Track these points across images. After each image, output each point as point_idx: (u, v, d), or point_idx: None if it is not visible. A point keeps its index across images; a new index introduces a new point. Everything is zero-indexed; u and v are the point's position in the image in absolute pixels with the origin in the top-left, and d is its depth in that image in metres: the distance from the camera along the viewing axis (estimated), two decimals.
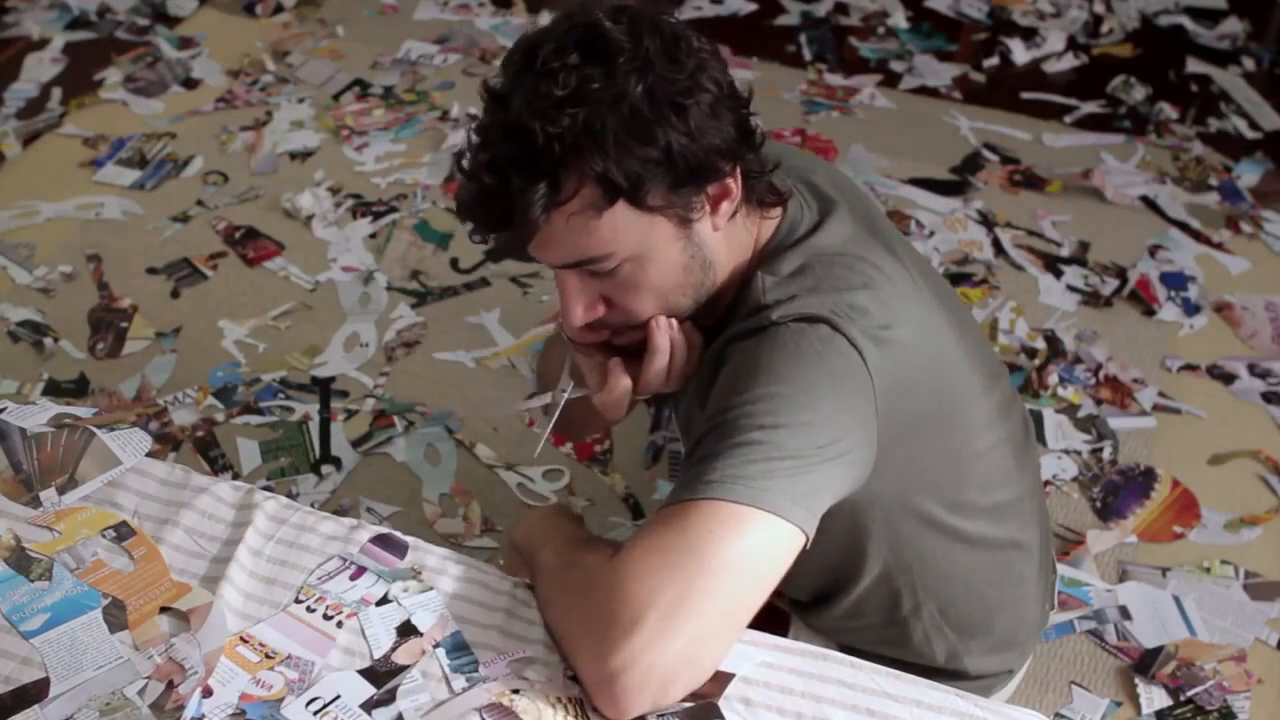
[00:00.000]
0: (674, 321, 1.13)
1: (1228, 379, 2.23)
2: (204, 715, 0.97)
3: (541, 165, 0.99)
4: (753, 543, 0.97)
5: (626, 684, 0.93)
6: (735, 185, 1.08)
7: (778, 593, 1.38)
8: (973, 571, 1.27)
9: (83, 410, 1.27)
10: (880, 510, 1.16)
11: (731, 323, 1.12)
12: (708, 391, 1.09)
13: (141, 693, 0.98)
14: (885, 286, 1.09)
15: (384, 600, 1.07)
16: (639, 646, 0.93)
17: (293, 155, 2.68)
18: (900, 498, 1.16)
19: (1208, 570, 1.89)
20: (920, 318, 1.12)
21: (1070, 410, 2.15)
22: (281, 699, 0.98)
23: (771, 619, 1.32)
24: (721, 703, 1.00)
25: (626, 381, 1.16)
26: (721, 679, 1.01)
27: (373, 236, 2.47)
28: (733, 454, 0.98)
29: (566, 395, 1.21)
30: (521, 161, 1.00)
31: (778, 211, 1.15)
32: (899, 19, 3.25)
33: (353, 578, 1.08)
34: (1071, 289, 2.41)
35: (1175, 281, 2.42)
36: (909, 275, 1.14)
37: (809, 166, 1.24)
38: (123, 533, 1.11)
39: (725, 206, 1.08)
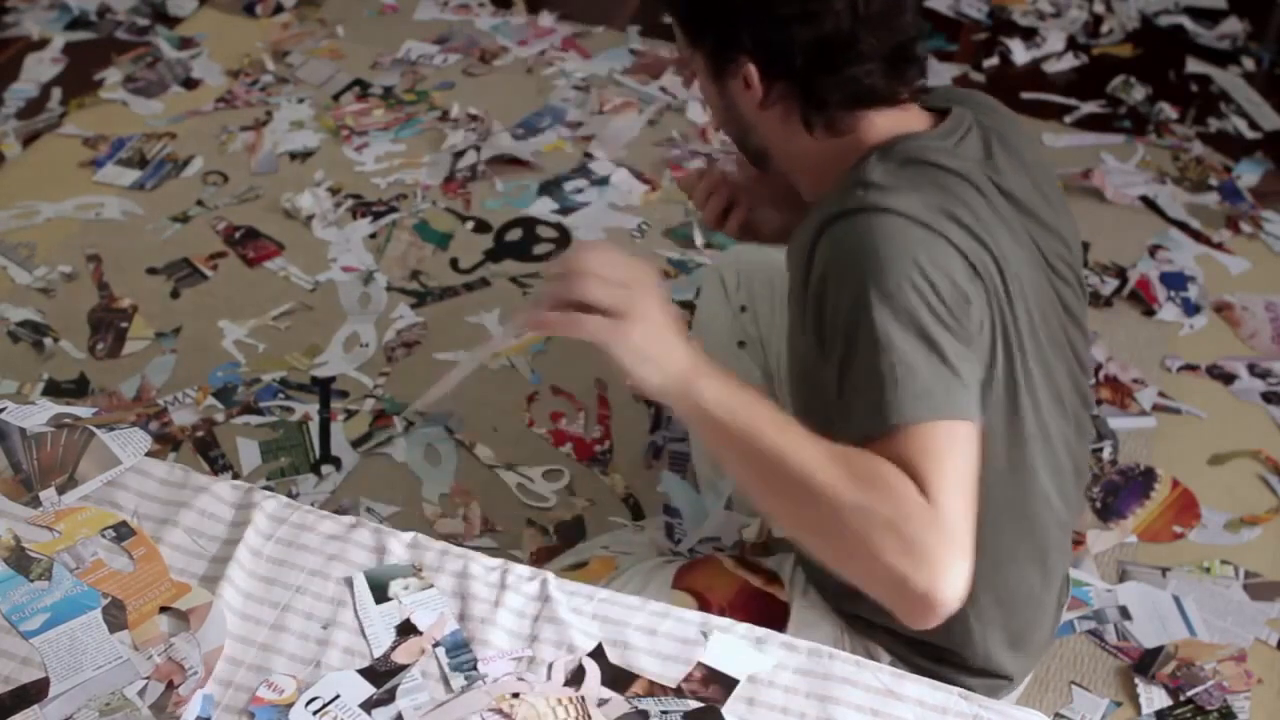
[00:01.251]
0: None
1: (1228, 379, 2.23)
2: (210, 717, 0.97)
3: None
4: (968, 450, 1.02)
5: (948, 604, 0.97)
6: (752, 77, 1.17)
7: (778, 582, 1.38)
8: (1012, 538, 1.27)
9: (83, 410, 1.27)
10: None
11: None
12: (804, 271, 1.14)
13: (141, 693, 0.98)
14: (986, 212, 1.14)
15: (384, 598, 1.07)
16: (959, 579, 0.98)
17: (293, 155, 2.67)
18: None
19: (1208, 570, 1.89)
20: (1026, 261, 1.16)
21: None
22: (292, 704, 0.98)
23: (769, 615, 1.32)
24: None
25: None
26: (727, 685, 1.01)
27: (373, 236, 2.47)
28: (895, 369, 1.02)
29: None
30: None
31: (873, 125, 1.21)
32: None
33: None
34: None
35: (1175, 281, 2.42)
36: (1023, 234, 1.19)
37: (1008, 142, 1.26)
38: (122, 533, 1.11)
39: (751, 94, 1.19)
